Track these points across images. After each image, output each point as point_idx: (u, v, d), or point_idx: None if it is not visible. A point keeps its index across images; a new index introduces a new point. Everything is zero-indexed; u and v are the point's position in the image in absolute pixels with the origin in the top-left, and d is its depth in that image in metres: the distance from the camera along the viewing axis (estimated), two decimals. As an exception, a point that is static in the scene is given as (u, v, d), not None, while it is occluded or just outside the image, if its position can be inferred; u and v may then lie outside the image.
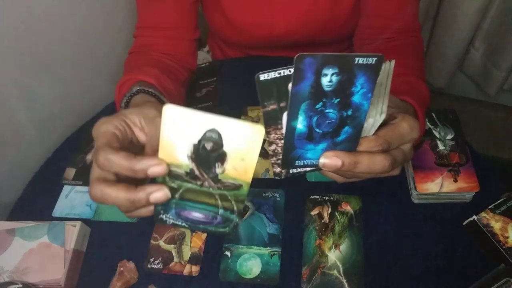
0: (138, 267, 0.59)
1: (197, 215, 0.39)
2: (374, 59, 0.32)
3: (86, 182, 0.68)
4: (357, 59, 0.32)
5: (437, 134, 0.62)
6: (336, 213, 0.60)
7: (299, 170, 0.40)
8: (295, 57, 0.31)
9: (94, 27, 0.82)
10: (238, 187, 0.36)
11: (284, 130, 0.36)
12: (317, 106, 0.35)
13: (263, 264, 0.57)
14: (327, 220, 0.60)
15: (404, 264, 0.56)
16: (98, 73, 0.87)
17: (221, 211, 0.39)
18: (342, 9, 0.70)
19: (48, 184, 0.69)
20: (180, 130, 0.32)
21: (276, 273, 0.57)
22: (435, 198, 0.60)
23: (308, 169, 0.39)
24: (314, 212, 0.61)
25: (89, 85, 0.85)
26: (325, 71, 0.32)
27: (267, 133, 0.37)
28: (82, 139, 0.74)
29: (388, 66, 0.39)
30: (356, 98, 0.35)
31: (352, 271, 0.56)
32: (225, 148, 0.33)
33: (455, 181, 0.57)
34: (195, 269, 0.58)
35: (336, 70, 0.33)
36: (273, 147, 0.38)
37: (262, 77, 0.33)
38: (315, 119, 0.35)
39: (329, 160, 0.37)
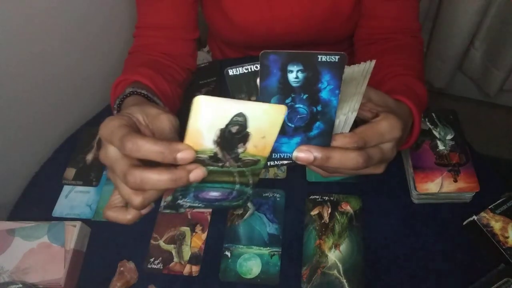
0: (138, 267, 0.59)
1: (214, 194, 0.40)
2: (337, 57, 0.33)
3: (86, 182, 0.68)
4: (320, 57, 0.33)
5: (437, 134, 0.62)
6: (336, 213, 0.60)
7: (276, 162, 0.40)
8: (260, 54, 0.32)
9: (94, 27, 0.82)
10: (256, 162, 0.37)
11: None
12: (287, 101, 0.35)
13: (263, 264, 0.57)
14: (327, 220, 0.60)
15: (404, 264, 0.56)
16: (98, 73, 0.87)
17: (237, 186, 0.40)
18: (342, 9, 0.70)
19: (48, 184, 0.69)
20: (209, 118, 0.33)
21: (276, 273, 0.57)
22: (435, 198, 0.60)
23: (284, 162, 0.40)
24: (314, 212, 0.61)
25: (89, 85, 0.85)
26: (290, 67, 0.33)
27: None
28: (82, 139, 0.74)
29: (368, 66, 0.39)
30: (324, 94, 0.35)
31: (352, 271, 0.56)
32: (248, 129, 0.34)
33: (455, 181, 0.57)
34: (195, 269, 0.58)
35: (301, 67, 0.34)
36: None
37: (231, 72, 0.34)
38: (286, 113, 0.36)
39: (302, 153, 0.38)
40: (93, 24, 0.82)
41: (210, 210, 0.63)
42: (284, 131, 0.38)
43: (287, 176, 0.65)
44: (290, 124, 0.37)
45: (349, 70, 0.40)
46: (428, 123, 0.63)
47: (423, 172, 0.59)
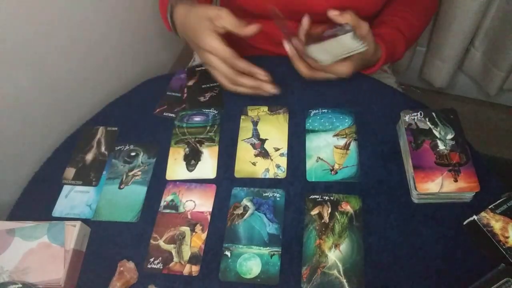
0: (138, 267, 0.59)
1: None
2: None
3: (85, 182, 0.68)
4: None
5: (437, 134, 0.61)
6: (336, 213, 0.60)
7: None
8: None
9: (94, 28, 0.82)
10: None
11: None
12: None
13: (263, 264, 0.57)
14: (327, 220, 0.60)
15: (404, 264, 0.56)
16: (98, 74, 0.87)
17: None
18: None
19: (48, 184, 0.69)
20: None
21: (276, 273, 0.57)
22: (435, 198, 0.60)
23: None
24: (314, 212, 0.61)
25: (89, 85, 0.85)
26: None
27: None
28: (82, 139, 0.74)
29: (361, 47, 0.61)
30: None
31: (352, 271, 0.56)
32: None
33: (455, 181, 0.57)
34: (195, 269, 0.58)
35: None
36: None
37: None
38: None
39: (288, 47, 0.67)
40: (93, 25, 0.82)
41: (210, 210, 0.63)
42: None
43: (287, 176, 0.65)
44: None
45: (348, 40, 0.61)
46: (428, 123, 0.63)
47: (423, 171, 0.59)
